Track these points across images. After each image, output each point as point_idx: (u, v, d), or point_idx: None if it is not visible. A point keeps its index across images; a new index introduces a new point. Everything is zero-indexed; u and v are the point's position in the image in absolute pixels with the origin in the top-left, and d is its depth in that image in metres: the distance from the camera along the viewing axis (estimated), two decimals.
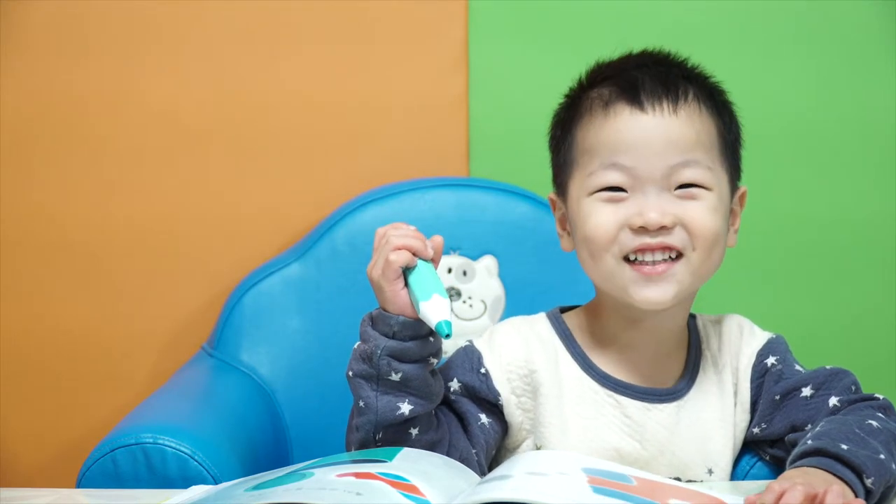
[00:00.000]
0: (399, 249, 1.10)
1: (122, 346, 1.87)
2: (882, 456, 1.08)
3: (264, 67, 1.84)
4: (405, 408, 1.12)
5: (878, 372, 1.88)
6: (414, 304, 1.09)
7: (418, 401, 1.13)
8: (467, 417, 1.21)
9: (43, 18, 1.82)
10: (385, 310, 1.12)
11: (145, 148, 1.84)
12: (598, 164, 1.18)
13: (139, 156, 1.85)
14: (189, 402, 1.42)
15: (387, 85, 1.83)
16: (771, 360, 1.25)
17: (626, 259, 1.18)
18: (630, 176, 1.17)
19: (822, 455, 1.07)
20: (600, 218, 1.18)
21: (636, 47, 1.83)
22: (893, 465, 1.09)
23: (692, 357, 1.26)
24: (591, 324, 1.27)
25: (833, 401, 1.20)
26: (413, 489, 0.96)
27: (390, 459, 1.05)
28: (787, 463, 1.10)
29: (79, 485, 1.25)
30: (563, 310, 1.30)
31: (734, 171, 1.25)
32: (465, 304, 1.70)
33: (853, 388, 1.22)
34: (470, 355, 1.23)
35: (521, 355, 1.23)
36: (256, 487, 0.99)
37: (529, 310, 1.33)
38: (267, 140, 1.85)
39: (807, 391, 1.22)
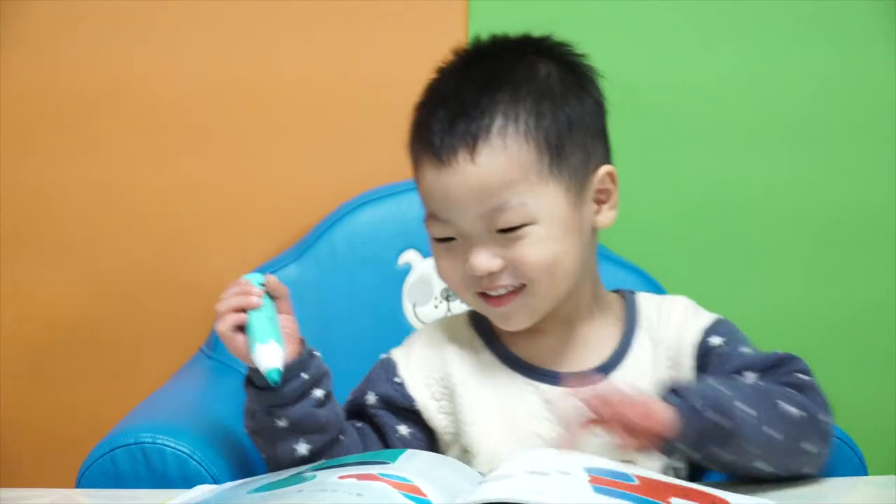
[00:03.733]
0: (219, 317, 1.14)
1: (122, 346, 1.87)
2: (726, 391, 1.08)
3: (263, 68, 1.84)
4: (302, 448, 1.16)
5: (875, 361, 1.89)
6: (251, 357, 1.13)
7: (313, 437, 1.16)
8: (386, 430, 1.23)
9: (42, 6, 1.82)
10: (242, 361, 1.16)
11: (143, 147, 1.85)
12: (427, 213, 1.19)
13: (137, 155, 1.85)
14: (188, 403, 1.43)
15: (386, 85, 1.84)
16: (716, 340, 1.23)
17: (480, 294, 1.20)
18: (452, 226, 1.17)
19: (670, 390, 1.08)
20: (443, 264, 1.20)
21: (636, 47, 1.86)
22: (740, 406, 1.07)
23: (623, 337, 1.25)
24: None
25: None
26: (415, 490, 0.97)
27: (393, 461, 1.05)
28: None
29: (78, 485, 1.25)
30: None
31: (582, 160, 1.19)
32: (463, 304, 1.70)
33: (799, 374, 1.18)
34: (385, 366, 1.25)
35: (436, 359, 1.25)
36: (259, 490, 1.00)
37: None
38: (265, 140, 1.85)
39: (751, 377, 1.18)
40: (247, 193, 1.86)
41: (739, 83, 1.87)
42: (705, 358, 1.22)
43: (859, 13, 1.85)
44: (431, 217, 1.18)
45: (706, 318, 1.26)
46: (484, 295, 1.19)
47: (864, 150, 1.88)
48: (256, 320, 1.13)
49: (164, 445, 1.25)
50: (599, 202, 1.23)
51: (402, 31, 1.85)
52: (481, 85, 1.17)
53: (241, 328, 1.14)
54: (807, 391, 1.15)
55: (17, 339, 1.87)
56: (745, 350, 1.22)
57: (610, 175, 1.23)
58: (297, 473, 1.05)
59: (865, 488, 1.20)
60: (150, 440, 1.25)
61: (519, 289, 1.18)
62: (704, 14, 1.86)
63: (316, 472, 1.02)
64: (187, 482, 1.21)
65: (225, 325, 1.14)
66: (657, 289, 1.79)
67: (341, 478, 0.98)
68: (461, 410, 1.22)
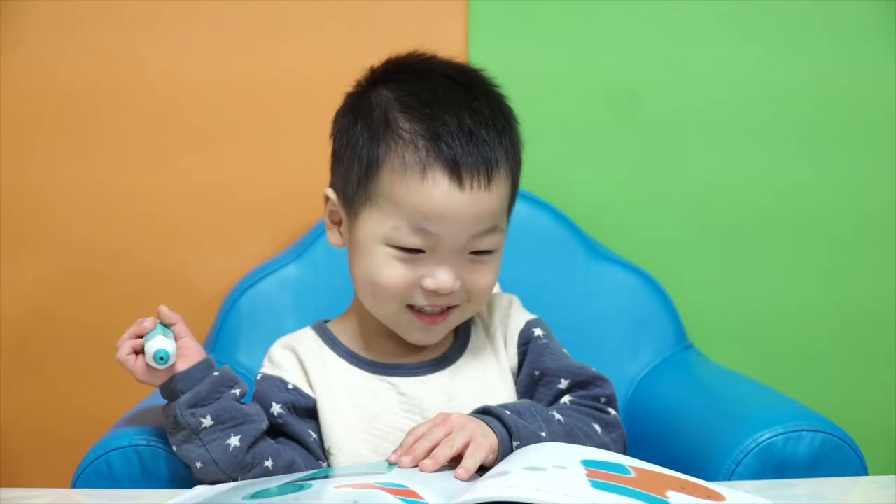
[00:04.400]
0: (119, 346, 1.24)
1: None
2: (542, 434, 1.15)
3: (263, 68, 1.84)
4: (233, 440, 1.18)
5: (875, 361, 1.88)
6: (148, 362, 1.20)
7: (241, 428, 1.19)
8: (302, 437, 1.24)
9: (42, 6, 1.82)
10: (157, 384, 1.22)
11: (143, 147, 1.85)
12: (405, 223, 1.19)
13: (137, 155, 1.85)
14: None
15: None
16: (538, 331, 1.30)
17: (409, 306, 1.23)
18: (433, 240, 1.19)
19: (486, 413, 1.16)
20: (392, 272, 1.21)
21: (636, 47, 1.86)
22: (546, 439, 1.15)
23: (462, 327, 1.31)
24: (353, 326, 1.31)
25: (566, 398, 1.26)
26: (411, 494, 0.97)
27: (389, 471, 1.06)
28: None
29: (74, 486, 1.25)
30: (326, 321, 1.34)
31: (515, 192, 1.27)
32: None
33: (602, 399, 1.26)
34: (270, 382, 1.27)
35: (299, 371, 1.28)
36: (254, 496, 1.00)
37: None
38: (265, 140, 1.85)
39: (563, 384, 1.27)
40: (247, 193, 1.86)
41: (739, 83, 1.87)
42: (527, 345, 1.30)
43: (859, 13, 1.85)
44: (416, 228, 1.18)
45: (529, 315, 1.35)
46: (413, 309, 1.23)
47: (865, 150, 1.88)
48: (149, 336, 1.21)
49: (159, 448, 1.24)
50: None
51: (403, 31, 1.84)
52: (488, 105, 1.23)
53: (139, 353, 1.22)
54: (611, 429, 1.24)
55: (17, 339, 1.87)
56: (565, 352, 1.30)
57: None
58: (293, 482, 1.05)
59: (866, 488, 1.20)
60: (144, 442, 1.25)
61: (451, 308, 1.24)
62: (705, 14, 1.86)
63: (311, 482, 1.02)
64: (182, 484, 1.21)
65: (122, 352, 1.22)
66: (657, 289, 1.79)
67: (337, 487, 0.98)
68: (323, 418, 1.25)
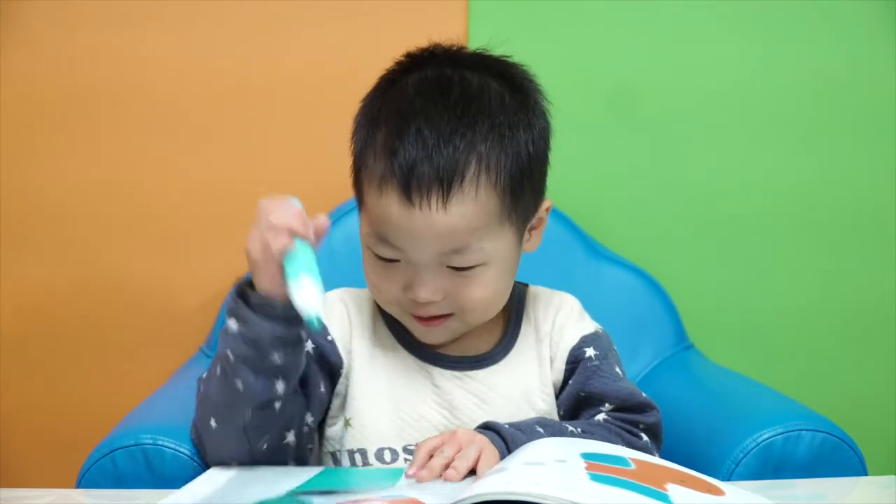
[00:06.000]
0: (278, 231, 1.07)
1: (122, 346, 1.87)
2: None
3: (262, 68, 1.84)
4: (279, 387, 1.12)
5: (875, 361, 1.89)
6: (287, 289, 1.05)
7: (290, 379, 1.13)
8: (311, 387, 1.20)
9: (42, 6, 1.82)
10: (261, 287, 1.09)
11: (144, 147, 1.85)
12: (373, 232, 1.16)
13: (137, 154, 1.85)
14: (188, 404, 1.42)
15: None
16: (590, 352, 1.25)
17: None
18: (401, 253, 1.15)
19: (487, 428, 1.13)
20: (378, 279, 1.19)
21: (636, 47, 1.86)
22: None
23: (511, 325, 1.27)
24: None
25: (601, 416, 1.22)
26: (414, 502, 0.97)
27: (393, 480, 1.06)
28: None
29: (78, 486, 1.25)
30: None
31: (533, 199, 1.20)
32: None
33: (641, 425, 1.22)
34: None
35: (346, 327, 1.25)
36: None
37: None
38: (265, 140, 1.85)
39: (607, 407, 1.23)
40: (247, 193, 1.85)
41: (740, 83, 1.87)
42: (575, 364, 1.25)
43: (860, 13, 1.85)
44: (381, 239, 1.15)
45: (588, 325, 1.29)
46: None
47: (866, 150, 1.88)
48: (304, 254, 1.05)
49: (164, 446, 1.24)
50: (531, 230, 1.24)
51: (403, 31, 1.84)
52: (456, 115, 1.13)
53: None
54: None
55: (18, 339, 1.87)
56: (618, 370, 1.25)
57: (548, 208, 1.25)
58: (294, 493, 1.04)
59: (865, 488, 1.20)
60: (150, 441, 1.25)
61: (450, 314, 1.19)
62: (705, 14, 1.86)
63: (312, 498, 1.02)
64: (187, 483, 1.21)
65: (279, 244, 1.06)
66: (657, 289, 1.79)
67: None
68: (352, 383, 1.23)
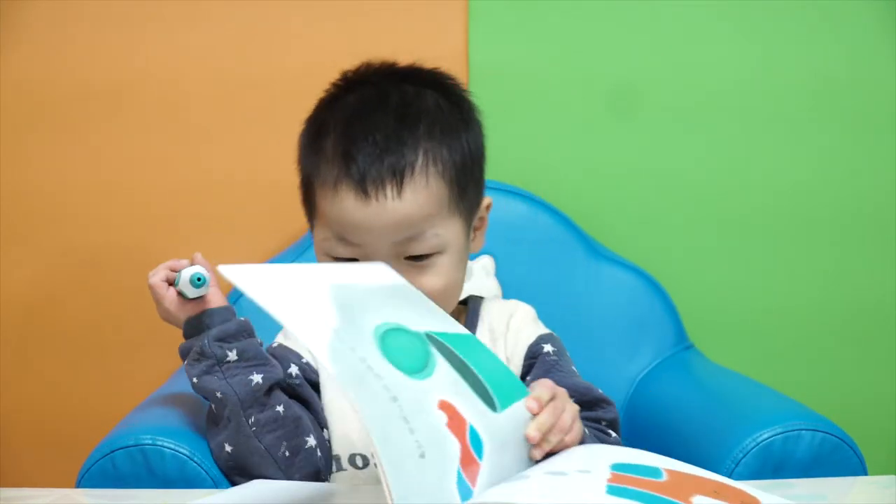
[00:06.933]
0: (155, 272, 1.26)
1: (122, 346, 1.87)
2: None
3: (263, 67, 1.85)
4: (256, 377, 1.20)
5: (875, 361, 1.89)
6: (182, 295, 1.24)
7: (263, 368, 1.21)
8: (313, 402, 1.26)
9: (42, 6, 1.83)
10: (173, 317, 1.26)
11: (144, 145, 1.85)
12: (332, 235, 1.21)
13: (138, 153, 1.85)
14: (188, 404, 1.42)
15: None
16: (548, 348, 1.29)
17: None
18: (359, 250, 1.20)
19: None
20: None
21: (636, 46, 1.86)
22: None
23: (467, 325, 1.30)
24: None
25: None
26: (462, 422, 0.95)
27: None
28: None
29: (78, 486, 1.25)
30: None
31: (475, 194, 1.27)
32: None
33: (604, 422, 1.24)
34: (287, 350, 1.30)
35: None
36: None
37: None
38: (266, 139, 1.85)
39: None
40: (248, 192, 1.86)
41: (740, 82, 1.87)
42: (533, 359, 1.28)
43: (860, 12, 1.85)
44: (339, 239, 1.20)
45: (543, 328, 1.33)
46: None
47: (866, 149, 1.88)
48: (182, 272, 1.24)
49: (164, 447, 1.24)
50: (475, 230, 1.29)
51: (403, 31, 1.85)
52: (398, 118, 1.21)
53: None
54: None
55: (18, 339, 1.87)
56: (574, 369, 1.29)
57: (488, 206, 1.31)
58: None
59: (865, 488, 1.20)
60: (149, 442, 1.25)
61: None
62: (705, 14, 1.86)
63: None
64: (187, 483, 1.21)
65: (156, 277, 1.25)
66: (657, 289, 1.79)
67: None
68: (324, 397, 1.27)
